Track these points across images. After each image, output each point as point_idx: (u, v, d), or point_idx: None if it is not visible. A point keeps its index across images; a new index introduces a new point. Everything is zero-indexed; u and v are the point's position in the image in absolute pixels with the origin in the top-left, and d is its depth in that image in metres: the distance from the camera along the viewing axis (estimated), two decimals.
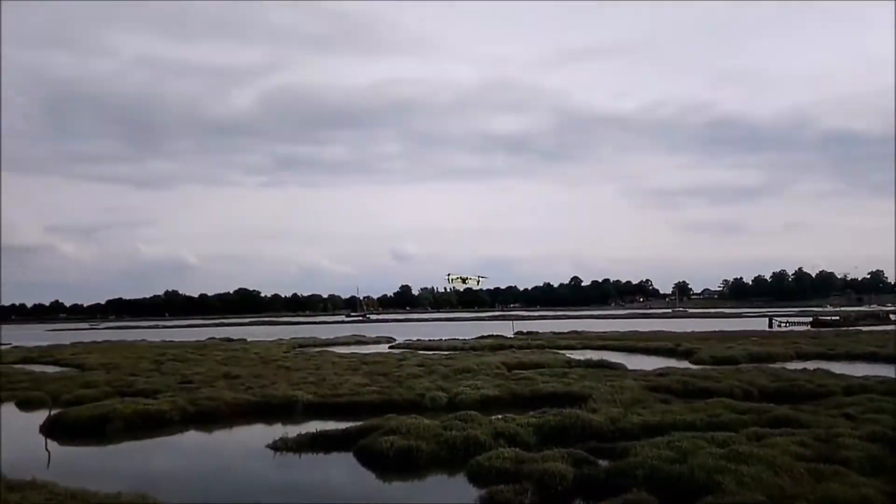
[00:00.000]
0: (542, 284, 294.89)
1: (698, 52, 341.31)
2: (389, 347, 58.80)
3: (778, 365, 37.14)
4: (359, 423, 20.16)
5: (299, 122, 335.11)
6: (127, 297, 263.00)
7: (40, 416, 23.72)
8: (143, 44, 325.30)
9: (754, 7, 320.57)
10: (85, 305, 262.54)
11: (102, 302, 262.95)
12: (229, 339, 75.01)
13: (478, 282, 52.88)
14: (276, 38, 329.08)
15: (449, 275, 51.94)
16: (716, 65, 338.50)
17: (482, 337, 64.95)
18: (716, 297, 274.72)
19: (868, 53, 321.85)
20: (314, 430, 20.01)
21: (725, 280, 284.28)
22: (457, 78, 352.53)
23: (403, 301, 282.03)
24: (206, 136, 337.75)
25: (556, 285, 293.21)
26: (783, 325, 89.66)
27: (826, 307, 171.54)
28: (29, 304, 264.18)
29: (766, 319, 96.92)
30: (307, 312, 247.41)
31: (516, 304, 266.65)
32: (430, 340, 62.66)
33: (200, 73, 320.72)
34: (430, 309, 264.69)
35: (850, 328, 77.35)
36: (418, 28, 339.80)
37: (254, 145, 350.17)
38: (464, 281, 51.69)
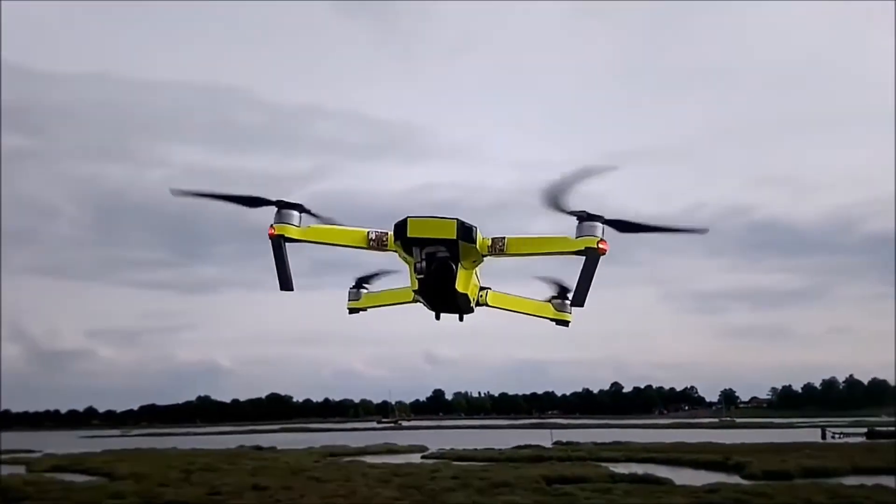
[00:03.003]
0: (580, 390, 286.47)
1: (736, 155, 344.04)
2: (422, 457, 57.09)
3: (834, 480, 35.38)
4: None
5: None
6: (160, 402, 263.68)
7: None
8: (192, 153, 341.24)
9: (792, 110, 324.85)
10: (118, 411, 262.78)
11: (135, 407, 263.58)
12: (259, 448, 73.71)
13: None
14: (320, 147, 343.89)
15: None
16: (754, 167, 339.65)
17: (519, 447, 62.80)
18: (764, 405, 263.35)
19: None
20: None
21: (774, 388, 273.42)
22: (493, 181, 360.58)
23: (436, 406, 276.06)
24: (249, 242, 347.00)
25: (595, 391, 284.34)
26: (837, 436, 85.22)
27: (881, 417, 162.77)
28: (63, 410, 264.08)
29: (819, 430, 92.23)
30: (338, 418, 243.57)
31: (554, 412, 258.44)
32: (464, 450, 60.73)
33: (247, 180, 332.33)
34: (463, 415, 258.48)
35: None
36: (455, 135, 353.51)
37: (294, 249, 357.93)
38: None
